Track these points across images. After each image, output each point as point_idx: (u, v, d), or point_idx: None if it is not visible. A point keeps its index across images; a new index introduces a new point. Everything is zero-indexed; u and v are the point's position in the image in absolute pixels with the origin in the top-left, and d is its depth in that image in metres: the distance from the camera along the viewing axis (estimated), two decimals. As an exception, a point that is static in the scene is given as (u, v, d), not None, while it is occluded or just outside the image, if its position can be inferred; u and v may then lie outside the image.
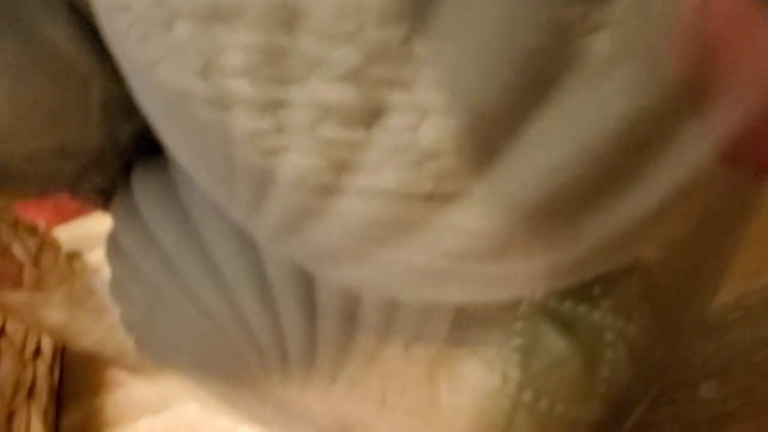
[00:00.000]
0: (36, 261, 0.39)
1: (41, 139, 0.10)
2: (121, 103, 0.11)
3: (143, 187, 0.12)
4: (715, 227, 0.19)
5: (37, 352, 0.35)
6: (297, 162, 0.12)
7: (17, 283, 0.37)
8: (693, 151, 0.11)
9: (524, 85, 0.10)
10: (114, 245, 0.13)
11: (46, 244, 0.41)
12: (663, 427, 0.29)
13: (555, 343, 0.15)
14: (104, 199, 0.12)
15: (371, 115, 0.11)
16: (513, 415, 0.15)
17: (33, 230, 0.40)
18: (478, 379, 0.15)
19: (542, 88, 0.11)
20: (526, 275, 0.12)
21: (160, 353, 0.14)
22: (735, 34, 0.10)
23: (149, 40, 0.11)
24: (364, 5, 0.10)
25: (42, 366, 0.35)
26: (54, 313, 0.37)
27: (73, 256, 0.43)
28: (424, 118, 0.11)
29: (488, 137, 0.11)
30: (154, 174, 0.12)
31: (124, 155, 0.12)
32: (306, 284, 0.13)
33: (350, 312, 0.14)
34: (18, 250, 0.37)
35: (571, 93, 0.10)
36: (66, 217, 0.42)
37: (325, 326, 0.13)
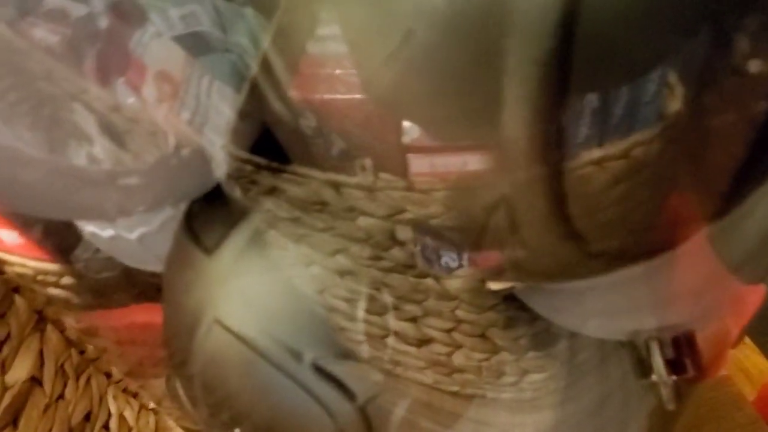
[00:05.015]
0: (137, 421, 0.47)
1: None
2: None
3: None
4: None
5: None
6: (365, 350, 0.23)
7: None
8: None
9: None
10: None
11: (142, 406, 0.49)
12: None
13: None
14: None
15: (421, 341, 0.22)
16: None
17: (135, 394, 0.49)
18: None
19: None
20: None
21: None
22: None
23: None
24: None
25: None
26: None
27: (157, 413, 0.52)
28: (457, 349, 0.22)
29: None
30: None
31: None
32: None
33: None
34: (129, 416, 0.46)
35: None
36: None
37: None
